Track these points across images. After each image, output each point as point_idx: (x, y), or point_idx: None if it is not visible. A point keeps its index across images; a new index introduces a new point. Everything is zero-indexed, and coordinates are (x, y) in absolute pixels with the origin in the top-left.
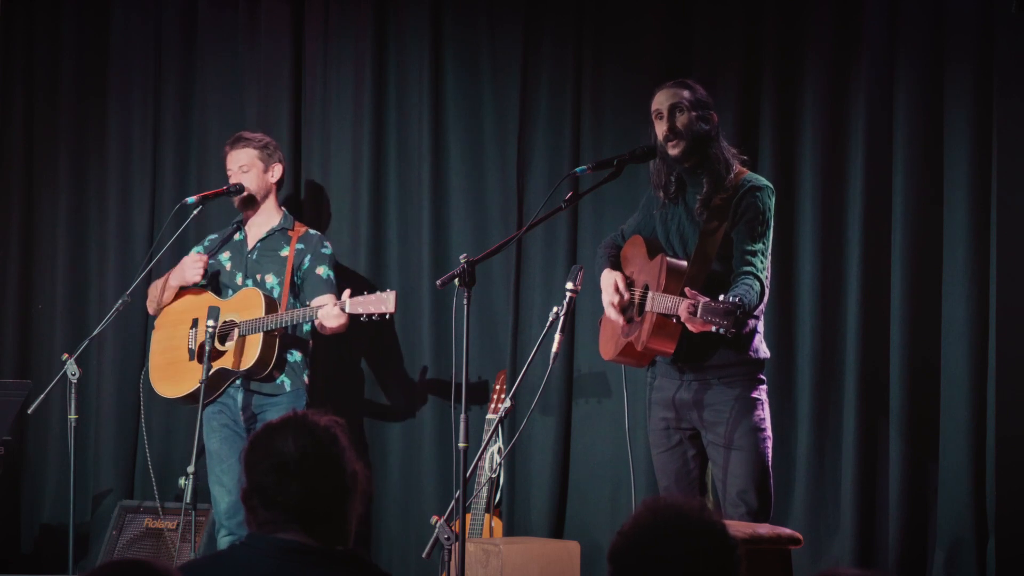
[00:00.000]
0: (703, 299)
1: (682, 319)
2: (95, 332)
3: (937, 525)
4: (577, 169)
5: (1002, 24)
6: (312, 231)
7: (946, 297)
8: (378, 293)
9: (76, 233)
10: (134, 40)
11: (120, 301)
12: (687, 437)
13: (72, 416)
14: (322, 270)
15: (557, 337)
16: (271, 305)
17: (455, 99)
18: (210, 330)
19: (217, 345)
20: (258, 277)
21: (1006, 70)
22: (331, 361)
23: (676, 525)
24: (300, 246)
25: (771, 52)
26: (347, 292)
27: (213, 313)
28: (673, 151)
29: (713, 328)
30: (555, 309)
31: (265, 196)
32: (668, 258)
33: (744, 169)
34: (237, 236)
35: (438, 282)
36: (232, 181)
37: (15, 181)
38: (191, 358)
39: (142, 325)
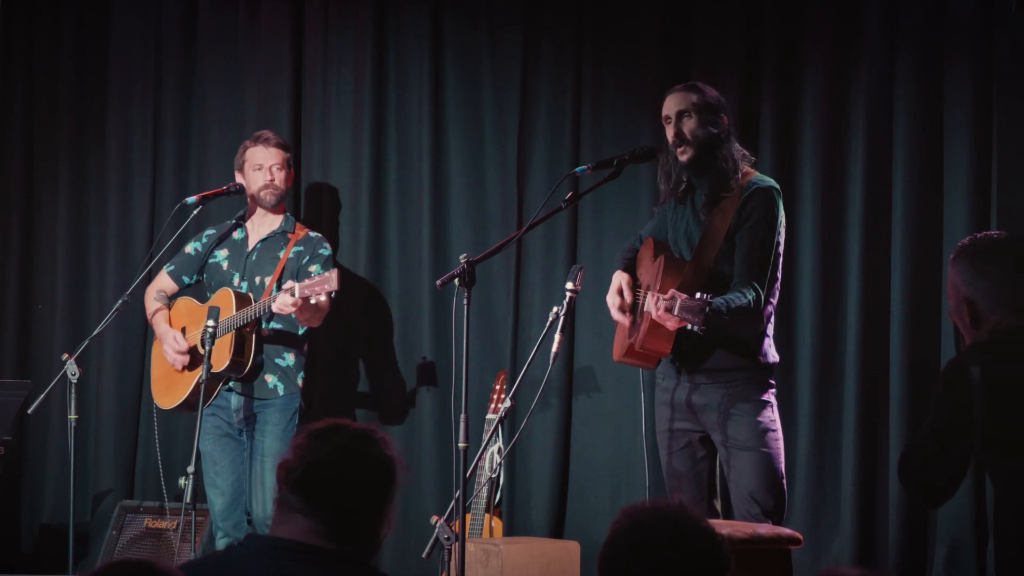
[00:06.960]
0: (681, 296)
1: (655, 316)
2: (95, 332)
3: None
4: (577, 169)
5: (1002, 24)
6: (313, 233)
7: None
8: (323, 273)
9: (76, 233)
10: (134, 40)
11: (120, 301)
12: (697, 439)
13: (72, 416)
14: (314, 268)
15: (557, 337)
16: (242, 303)
17: (455, 99)
18: (210, 329)
19: (200, 349)
20: (256, 280)
21: (1006, 70)
22: (330, 361)
23: (662, 527)
24: (298, 248)
25: (771, 52)
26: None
27: (213, 313)
28: (682, 157)
29: (689, 326)
30: (555, 309)
31: (283, 198)
32: (666, 259)
33: (751, 170)
34: (237, 235)
35: (438, 282)
36: (264, 176)
37: (15, 181)
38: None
39: (142, 325)
